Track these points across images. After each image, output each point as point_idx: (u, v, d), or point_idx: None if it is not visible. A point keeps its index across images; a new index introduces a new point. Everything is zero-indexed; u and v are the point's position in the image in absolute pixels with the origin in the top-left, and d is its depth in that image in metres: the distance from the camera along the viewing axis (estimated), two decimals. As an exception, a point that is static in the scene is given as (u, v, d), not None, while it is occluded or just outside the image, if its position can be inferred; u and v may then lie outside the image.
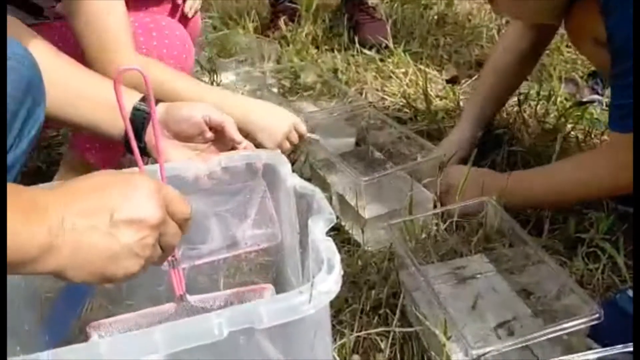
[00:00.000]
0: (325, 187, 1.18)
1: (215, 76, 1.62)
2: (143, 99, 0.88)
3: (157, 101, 0.87)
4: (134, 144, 0.67)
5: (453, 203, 1.05)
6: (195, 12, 1.45)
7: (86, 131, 0.93)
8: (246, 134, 1.00)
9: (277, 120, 1.09)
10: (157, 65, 1.04)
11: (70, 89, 0.86)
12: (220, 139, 0.92)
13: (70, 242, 0.52)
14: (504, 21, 2.01)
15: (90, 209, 0.54)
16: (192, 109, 0.89)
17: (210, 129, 0.90)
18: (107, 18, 1.00)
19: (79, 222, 0.53)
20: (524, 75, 1.37)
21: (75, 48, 1.02)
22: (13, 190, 0.50)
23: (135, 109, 0.87)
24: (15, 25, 0.83)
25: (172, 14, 1.38)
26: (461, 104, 1.50)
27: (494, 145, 1.30)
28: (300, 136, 1.11)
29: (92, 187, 0.56)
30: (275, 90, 1.63)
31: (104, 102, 0.86)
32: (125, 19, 1.02)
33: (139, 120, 0.87)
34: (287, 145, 1.09)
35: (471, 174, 1.08)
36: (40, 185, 0.74)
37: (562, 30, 1.25)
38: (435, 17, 2.08)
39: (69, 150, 1.23)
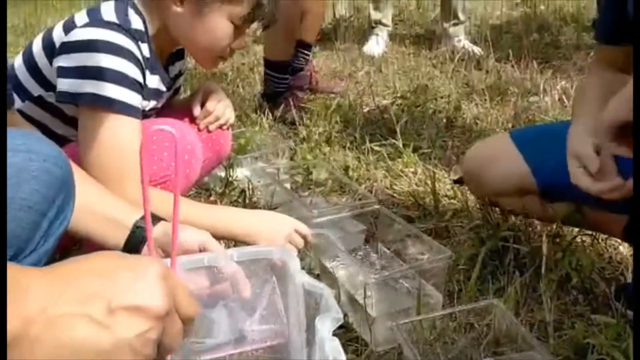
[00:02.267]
0: (333, 283, 1.19)
1: (231, 172, 1.68)
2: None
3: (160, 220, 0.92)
4: (149, 227, 0.62)
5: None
6: (221, 126, 1.45)
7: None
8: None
9: (277, 225, 1.14)
10: (155, 194, 1.06)
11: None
12: None
13: (51, 335, 0.43)
14: (510, 125, 2.09)
15: (85, 295, 0.45)
16: (190, 235, 0.92)
17: None
18: (121, 157, 1.07)
19: (67, 309, 0.44)
20: None
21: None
22: None
23: (135, 226, 0.92)
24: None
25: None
26: (470, 204, 1.53)
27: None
28: (304, 237, 1.15)
29: (92, 270, 0.48)
30: (287, 185, 1.68)
31: (102, 216, 0.91)
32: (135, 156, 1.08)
33: (137, 238, 0.91)
34: (291, 247, 1.12)
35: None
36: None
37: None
38: (444, 120, 2.16)
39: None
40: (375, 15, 3.39)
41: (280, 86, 2.37)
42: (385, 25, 3.40)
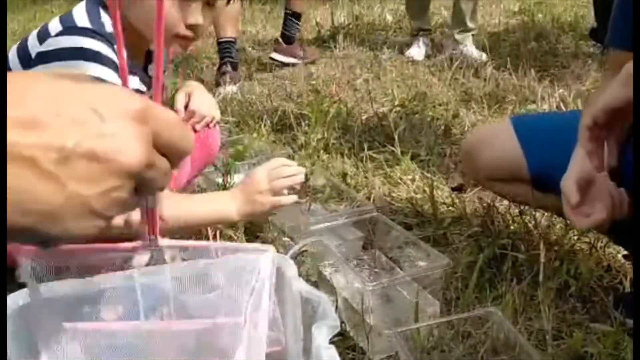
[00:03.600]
0: (331, 291, 1.19)
1: (228, 178, 1.67)
2: None
3: None
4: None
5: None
6: (207, 125, 1.48)
7: None
8: None
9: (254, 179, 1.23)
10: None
11: None
12: None
13: None
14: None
15: (31, 123, 0.33)
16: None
17: None
18: None
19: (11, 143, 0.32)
20: None
21: None
22: None
23: None
24: None
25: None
26: (468, 211, 1.53)
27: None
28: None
29: (39, 97, 0.34)
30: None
31: None
32: None
33: None
34: (280, 183, 1.23)
35: None
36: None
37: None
38: (442, 127, 2.16)
39: None
40: (414, 23, 3.46)
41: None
42: (426, 30, 3.45)
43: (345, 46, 3.56)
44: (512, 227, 1.42)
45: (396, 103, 2.40)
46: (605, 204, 0.95)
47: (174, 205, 1.08)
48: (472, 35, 3.31)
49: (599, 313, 1.18)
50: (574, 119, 1.14)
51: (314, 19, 4.29)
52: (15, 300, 0.73)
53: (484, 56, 3.12)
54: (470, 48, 3.24)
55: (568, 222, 1.34)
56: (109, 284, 0.79)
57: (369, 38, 3.63)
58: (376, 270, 1.30)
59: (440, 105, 2.36)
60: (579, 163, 0.97)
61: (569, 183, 0.99)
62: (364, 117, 2.33)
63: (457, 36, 3.31)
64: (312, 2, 5.17)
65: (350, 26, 3.98)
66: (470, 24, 3.30)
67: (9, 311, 0.72)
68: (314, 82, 2.90)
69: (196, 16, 1.17)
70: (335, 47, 3.53)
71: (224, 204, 1.20)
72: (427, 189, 1.64)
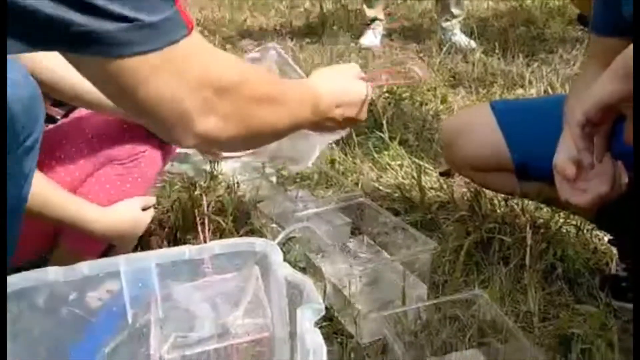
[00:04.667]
0: (319, 276, 1.19)
1: (216, 165, 1.67)
2: None
3: None
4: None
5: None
6: None
7: None
8: None
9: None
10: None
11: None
12: None
13: None
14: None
15: None
16: None
17: None
18: None
19: None
20: None
21: (79, 143, 1.08)
22: None
23: None
24: None
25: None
26: (455, 196, 1.53)
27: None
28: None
29: None
30: (273, 179, 1.67)
31: None
32: None
33: None
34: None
35: None
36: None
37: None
38: (431, 112, 2.16)
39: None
40: (369, 12, 3.41)
41: None
42: (380, 20, 3.44)
43: (333, 32, 3.54)
44: (499, 211, 1.42)
45: (384, 89, 2.39)
46: (606, 178, 0.94)
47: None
48: (459, 21, 3.30)
49: (585, 294, 1.19)
50: (556, 106, 1.13)
51: (303, 5, 4.26)
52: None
53: (473, 43, 3.11)
54: (459, 35, 3.23)
55: (553, 208, 1.35)
56: (93, 271, 0.78)
57: (357, 24, 3.61)
58: (364, 255, 1.30)
59: (428, 90, 2.35)
60: (570, 144, 0.97)
61: (562, 159, 0.98)
62: (352, 103, 2.32)
63: (444, 24, 3.29)
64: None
65: (339, 12, 3.96)
66: (456, 11, 3.29)
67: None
68: (302, 68, 2.88)
69: None
70: (323, 33, 3.51)
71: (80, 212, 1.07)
72: (415, 174, 1.64)
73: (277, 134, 0.84)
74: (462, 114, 1.39)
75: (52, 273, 0.75)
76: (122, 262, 0.82)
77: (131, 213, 1.14)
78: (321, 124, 0.93)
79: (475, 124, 1.27)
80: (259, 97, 0.74)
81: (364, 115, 0.99)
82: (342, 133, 1.11)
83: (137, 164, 1.16)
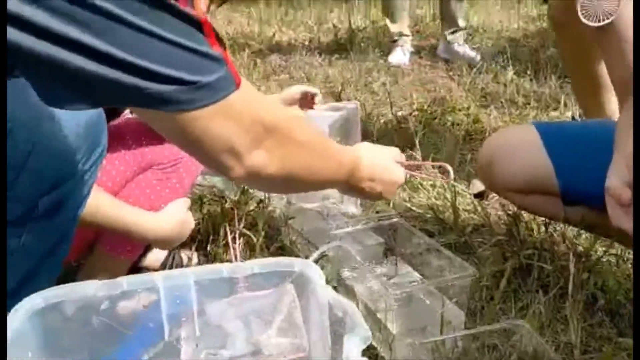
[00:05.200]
0: (352, 296, 1.16)
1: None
2: None
3: None
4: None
5: None
6: None
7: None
8: None
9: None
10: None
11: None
12: None
13: None
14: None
15: None
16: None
17: None
18: None
19: None
20: None
21: (119, 148, 1.08)
22: None
23: None
24: None
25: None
26: (491, 219, 1.50)
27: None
28: None
29: None
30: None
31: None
32: None
33: None
34: None
35: None
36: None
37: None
38: (463, 132, 2.13)
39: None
40: (393, 28, 3.39)
41: None
42: (406, 35, 3.42)
43: (362, 48, 3.53)
44: (537, 237, 1.38)
45: (415, 107, 2.37)
46: None
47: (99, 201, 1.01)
48: (464, 34, 3.30)
49: (627, 327, 1.15)
50: (602, 131, 1.11)
51: (331, 21, 4.27)
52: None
53: (478, 56, 3.11)
54: (464, 47, 3.22)
55: (594, 235, 1.31)
56: (132, 286, 0.77)
57: (386, 41, 3.60)
58: (398, 277, 1.27)
59: (460, 110, 2.33)
60: (622, 169, 0.94)
61: (616, 184, 0.95)
62: (382, 121, 2.30)
63: (449, 37, 3.29)
64: (329, 4, 5.16)
65: (367, 29, 3.96)
66: (462, 23, 3.28)
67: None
68: (331, 84, 2.88)
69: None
70: (351, 49, 3.51)
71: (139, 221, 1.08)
72: (448, 195, 1.61)
73: (312, 184, 0.92)
74: (504, 133, 1.35)
75: (92, 287, 0.74)
76: (160, 278, 0.80)
77: (180, 216, 1.15)
78: (351, 189, 1.00)
79: (520, 145, 1.25)
80: (304, 141, 0.82)
81: (392, 197, 1.09)
82: None
83: (176, 169, 1.16)
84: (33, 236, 0.79)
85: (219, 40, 0.66)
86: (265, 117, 0.74)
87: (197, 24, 0.63)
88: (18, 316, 0.68)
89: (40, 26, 0.53)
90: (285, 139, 0.78)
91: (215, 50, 0.65)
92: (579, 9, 1.08)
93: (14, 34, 0.53)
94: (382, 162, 1.02)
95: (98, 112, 0.85)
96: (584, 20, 1.07)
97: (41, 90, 0.60)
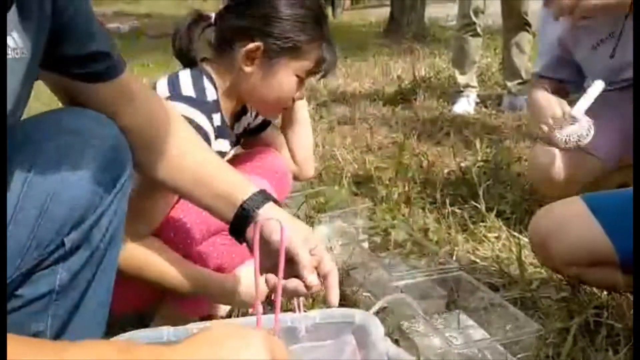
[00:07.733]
0: (413, 351, 1.16)
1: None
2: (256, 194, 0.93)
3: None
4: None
5: None
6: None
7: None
8: None
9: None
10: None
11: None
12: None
13: None
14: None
15: None
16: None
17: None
18: None
19: None
20: None
21: (191, 212, 1.17)
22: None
23: (241, 207, 0.92)
24: None
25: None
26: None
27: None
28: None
29: (208, 340, 0.58)
30: (365, 245, 1.68)
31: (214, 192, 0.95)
32: None
33: (244, 218, 0.93)
34: None
35: None
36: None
37: None
38: (529, 183, 2.10)
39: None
40: (462, 79, 3.44)
41: None
42: (473, 87, 3.45)
43: (425, 98, 3.57)
44: (604, 293, 1.34)
45: (480, 157, 2.36)
46: None
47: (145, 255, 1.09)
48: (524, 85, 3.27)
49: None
50: None
51: (395, 72, 4.35)
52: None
53: None
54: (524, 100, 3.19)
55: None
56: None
57: (450, 91, 3.63)
58: (460, 331, 1.26)
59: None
60: None
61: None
62: (446, 171, 2.31)
63: (513, 89, 3.28)
64: (393, 55, 5.26)
65: (432, 79, 4.00)
66: (525, 75, 3.26)
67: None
68: (394, 134, 2.92)
69: (302, 90, 1.30)
70: (415, 99, 3.55)
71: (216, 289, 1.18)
72: (513, 248, 1.59)
73: None
74: (551, 210, 1.35)
75: (165, 333, 0.78)
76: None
77: (250, 281, 1.16)
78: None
79: (571, 221, 1.26)
80: None
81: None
82: None
83: None
84: (68, 273, 0.82)
85: None
86: None
87: None
88: None
89: None
90: None
91: None
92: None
93: None
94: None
95: (121, 139, 0.87)
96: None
97: None
